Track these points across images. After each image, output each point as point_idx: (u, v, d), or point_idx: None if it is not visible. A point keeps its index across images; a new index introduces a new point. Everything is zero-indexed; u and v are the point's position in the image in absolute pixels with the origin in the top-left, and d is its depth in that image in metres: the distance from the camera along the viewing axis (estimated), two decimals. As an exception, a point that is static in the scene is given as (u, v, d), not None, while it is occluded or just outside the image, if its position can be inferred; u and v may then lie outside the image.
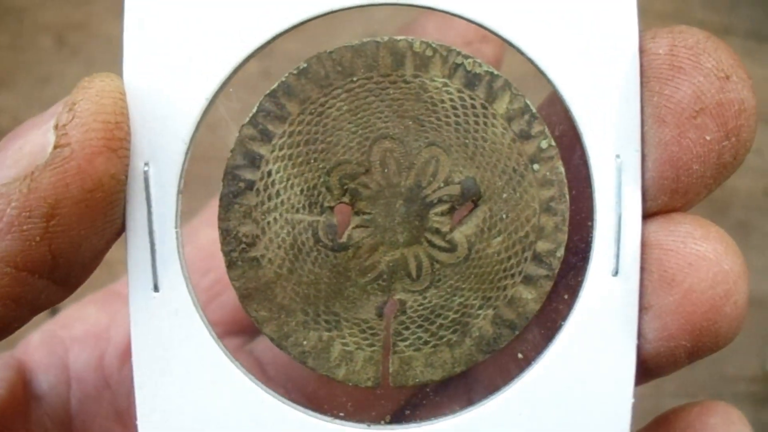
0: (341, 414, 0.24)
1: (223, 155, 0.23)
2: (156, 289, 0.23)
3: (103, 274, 0.28)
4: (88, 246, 0.21)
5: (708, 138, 0.22)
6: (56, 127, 0.21)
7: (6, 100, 0.50)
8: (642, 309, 0.23)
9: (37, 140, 0.21)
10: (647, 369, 0.23)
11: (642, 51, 0.23)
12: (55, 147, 0.20)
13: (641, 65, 0.23)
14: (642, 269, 0.23)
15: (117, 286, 0.32)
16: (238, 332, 0.31)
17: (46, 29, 0.51)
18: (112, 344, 0.30)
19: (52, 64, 0.51)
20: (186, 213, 0.23)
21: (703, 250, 0.22)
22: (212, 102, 0.23)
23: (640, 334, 0.23)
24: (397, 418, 0.24)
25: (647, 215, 0.23)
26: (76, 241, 0.21)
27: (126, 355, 0.29)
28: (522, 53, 0.23)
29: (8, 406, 0.26)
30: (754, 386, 0.49)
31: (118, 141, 0.21)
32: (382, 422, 0.24)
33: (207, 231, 0.30)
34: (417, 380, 0.24)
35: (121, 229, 0.22)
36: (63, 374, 0.29)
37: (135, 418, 0.23)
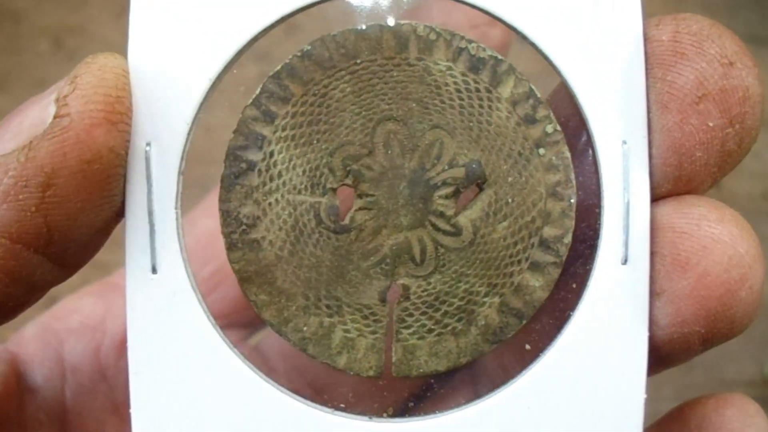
0: (342, 405, 0.23)
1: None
2: (154, 270, 0.22)
3: (96, 275, 0.27)
4: (84, 221, 0.21)
5: (711, 124, 0.22)
6: (57, 99, 0.20)
7: (2, 102, 0.51)
8: (654, 294, 0.22)
9: (37, 113, 0.21)
10: (660, 357, 0.23)
11: (646, 38, 0.23)
12: (55, 117, 0.20)
13: (646, 52, 0.23)
14: (654, 253, 0.22)
15: (113, 278, 0.32)
16: (239, 324, 0.30)
17: (43, 32, 0.52)
18: (109, 336, 0.29)
19: (48, 67, 0.51)
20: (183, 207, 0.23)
21: (718, 232, 0.22)
22: (215, 83, 0.23)
23: (653, 321, 0.22)
24: (400, 411, 0.23)
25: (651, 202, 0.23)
26: (72, 213, 0.21)
27: (122, 347, 0.29)
28: (527, 40, 0.23)
29: (1, 399, 0.25)
30: (753, 390, 0.47)
31: (118, 115, 0.21)
32: (384, 415, 0.23)
33: (206, 221, 0.29)
34: (421, 370, 0.23)
35: (120, 211, 0.22)
36: (58, 367, 0.28)
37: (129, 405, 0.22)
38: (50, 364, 0.28)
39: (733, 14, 0.48)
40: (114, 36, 0.49)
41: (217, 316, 0.29)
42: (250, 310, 0.28)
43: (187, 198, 0.23)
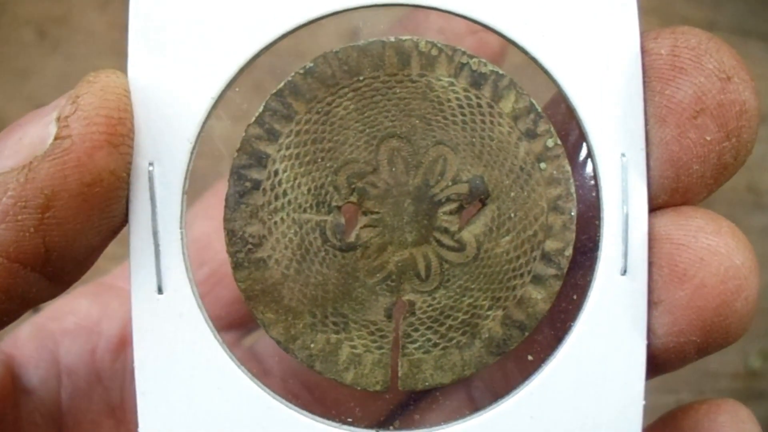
0: (349, 419, 0.23)
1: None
2: (160, 291, 0.22)
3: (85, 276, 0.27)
4: (82, 241, 0.21)
5: (708, 138, 0.23)
6: (58, 119, 0.20)
7: (-13, 94, 0.49)
8: (652, 304, 0.23)
9: (37, 131, 0.20)
10: (656, 364, 0.23)
11: (645, 51, 0.23)
12: (56, 138, 0.20)
13: (644, 65, 0.23)
14: (652, 263, 0.23)
15: (108, 279, 0.31)
16: (233, 326, 0.30)
17: (26, 22, 0.51)
18: (104, 337, 0.29)
19: (32, 58, 0.50)
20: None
21: (715, 244, 0.22)
22: (218, 101, 0.22)
23: (650, 330, 0.23)
24: (406, 423, 0.24)
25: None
26: (71, 235, 0.21)
27: (118, 348, 0.29)
28: (527, 54, 0.23)
29: None
30: (737, 383, 0.49)
31: (120, 137, 0.21)
32: (391, 428, 0.23)
33: (200, 223, 0.29)
34: (426, 384, 0.23)
35: (118, 227, 0.22)
36: (53, 368, 0.28)
37: (137, 427, 0.22)
38: (46, 365, 0.28)
39: (720, 6, 0.48)
40: (98, 26, 0.48)
41: (213, 318, 0.29)
42: (245, 312, 0.29)
43: (189, 195, 0.23)
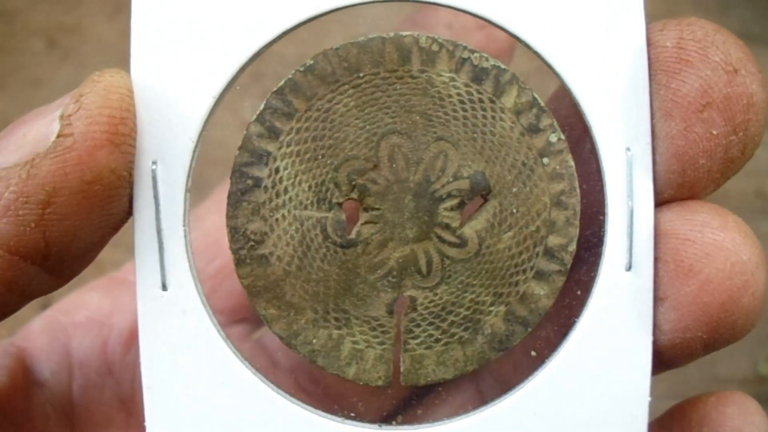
0: (352, 414, 0.23)
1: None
2: (164, 287, 0.22)
3: (92, 273, 0.27)
4: (82, 237, 0.21)
5: (715, 132, 0.22)
6: (61, 117, 0.21)
7: (-2, 102, 0.51)
8: (657, 300, 0.23)
9: (41, 129, 0.21)
10: (662, 360, 0.23)
11: (650, 43, 0.23)
12: (58, 136, 0.21)
13: (649, 58, 0.23)
14: (657, 259, 0.23)
15: (120, 273, 0.32)
16: (244, 320, 0.30)
17: (37, 32, 0.52)
18: (116, 331, 0.29)
19: (43, 67, 0.51)
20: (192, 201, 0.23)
21: (721, 239, 0.22)
22: (219, 100, 0.23)
23: (656, 326, 0.23)
24: (409, 418, 0.24)
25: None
26: (71, 231, 0.21)
27: (129, 341, 0.29)
28: (529, 48, 0.23)
29: (8, 393, 0.26)
30: (746, 388, 0.48)
31: (121, 136, 0.21)
32: (394, 423, 0.23)
33: (213, 217, 0.30)
34: (428, 379, 0.23)
35: (118, 224, 0.22)
36: (65, 361, 0.28)
37: (143, 420, 0.23)
38: (57, 358, 0.28)
39: (726, 12, 0.48)
40: (108, 35, 0.49)
41: (224, 311, 0.30)
42: None
43: (193, 193, 0.23)
